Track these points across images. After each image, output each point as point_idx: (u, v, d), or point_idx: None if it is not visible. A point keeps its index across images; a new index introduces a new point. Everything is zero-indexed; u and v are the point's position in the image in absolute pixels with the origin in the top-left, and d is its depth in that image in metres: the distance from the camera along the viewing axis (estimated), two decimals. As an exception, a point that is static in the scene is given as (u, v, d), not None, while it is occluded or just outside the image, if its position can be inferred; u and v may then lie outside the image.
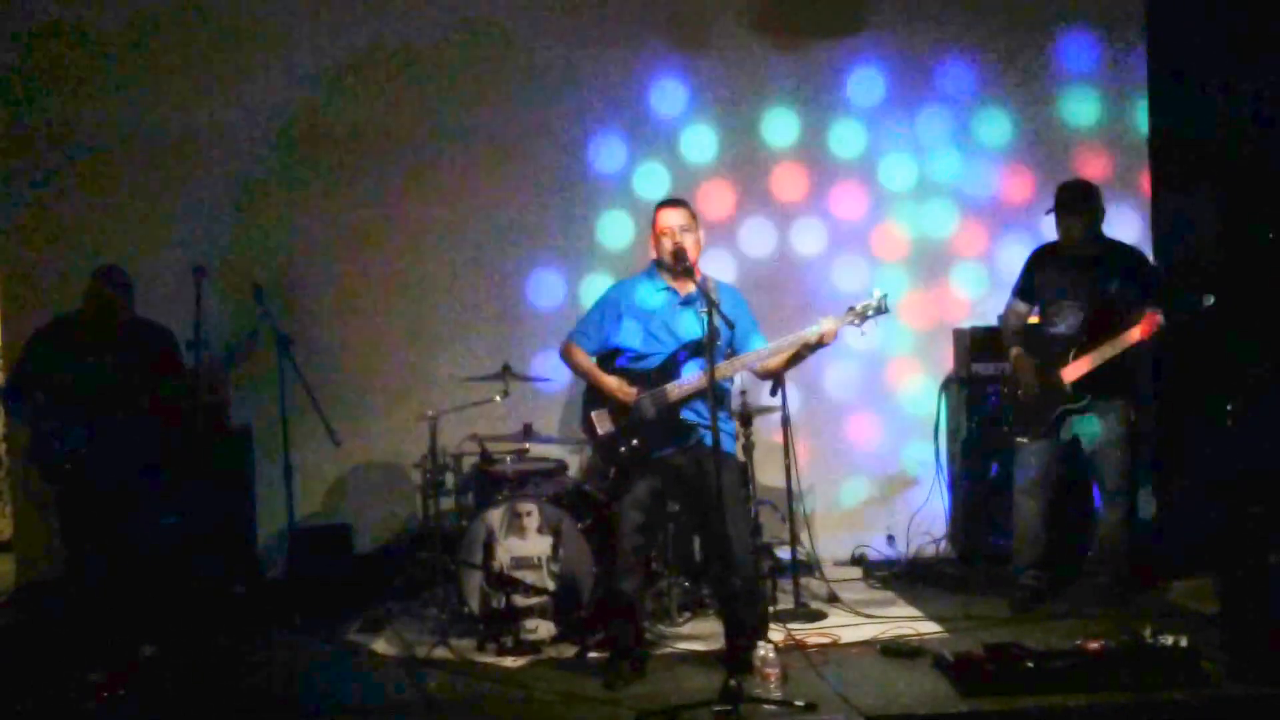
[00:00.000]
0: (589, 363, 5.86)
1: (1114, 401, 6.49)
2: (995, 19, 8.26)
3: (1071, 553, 6.95)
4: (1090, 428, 6.53)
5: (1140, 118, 8.17)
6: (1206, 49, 7.56)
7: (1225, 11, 7.46)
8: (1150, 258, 7.05)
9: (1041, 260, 6.73)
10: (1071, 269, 6.55)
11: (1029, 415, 6.59)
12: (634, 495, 5.73)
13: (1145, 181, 8.16)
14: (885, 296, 5.57)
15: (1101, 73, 8.24)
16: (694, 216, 5.82)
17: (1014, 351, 6.72)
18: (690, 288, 5.74)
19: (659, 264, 5.84)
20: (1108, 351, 6.33)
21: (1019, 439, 6.66)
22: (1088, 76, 8.24)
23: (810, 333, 5.53)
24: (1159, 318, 6.20)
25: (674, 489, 5.87)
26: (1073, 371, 6.42)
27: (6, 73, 8.01)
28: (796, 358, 5.65)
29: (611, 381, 5.74)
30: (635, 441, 5.68)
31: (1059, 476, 6.65)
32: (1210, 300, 6.08)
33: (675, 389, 5.66)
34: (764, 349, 5.65)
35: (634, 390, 5.69)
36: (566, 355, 5.95)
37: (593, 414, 5.80)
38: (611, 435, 5.75)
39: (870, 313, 5.56)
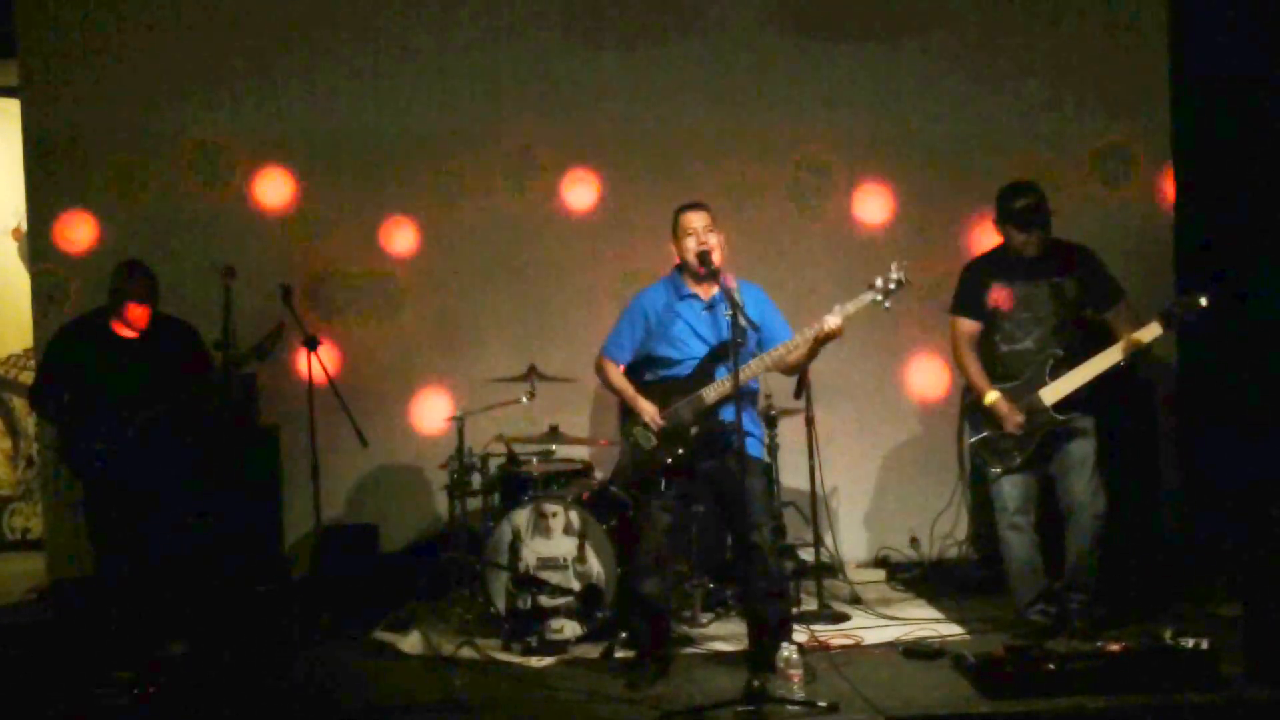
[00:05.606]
0: (623, 381, 5.89)
1: (1088, 419, 6.08)
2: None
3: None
4: (1060, 449, 6.10)
5: (1163, 118, 8.15)
6: (1231, 49, 7.52)
7: (1250, 11, 7.42)
8: (1098, 253, 6.28)
9: (984, 272, 6.23)
10: (1020, 278, 6.09)
11: (1008, 444, 6.11)
12: (664, 498, 5.78)
13: (1169, 184, 8.13)
14: (904, 268, 5.56)
15: (1121, 71, 8.22)
16: (714, 219, 5.84)
17: (991, 397, 6.09)
18: (714, 291, 5.76)
19: (682, 269, 5.87)
20: (1092, 369, 5.91)
21: (994, 470, 6.20)
22: (1107, 74, 8.22)
23: (815, 328, 5.55)
24: (1150, 334, 5.81)
25: (702, 492, 5.92)
26: (1054, 392, 5.98)
27: (36, 77, 8.08)
28: (813, 352, 5.69)
29: (645, 407, 5.77)
30: (681, 450, 5.71)
31: (1041, 502, 6.24)
32: (1204, 301, 5.71)
33: (710, 393, 5.69)
34: (787, 344, 5.66)
35: (662, 421, 5.72)
36: (601, 372, 6.00)
37: (636, 430, 5.81)
38: (656, 448, 5.76)
39: (893, 286, 5.55)
